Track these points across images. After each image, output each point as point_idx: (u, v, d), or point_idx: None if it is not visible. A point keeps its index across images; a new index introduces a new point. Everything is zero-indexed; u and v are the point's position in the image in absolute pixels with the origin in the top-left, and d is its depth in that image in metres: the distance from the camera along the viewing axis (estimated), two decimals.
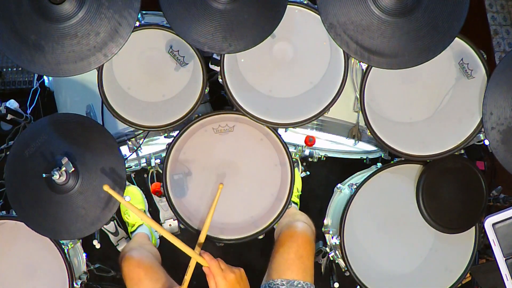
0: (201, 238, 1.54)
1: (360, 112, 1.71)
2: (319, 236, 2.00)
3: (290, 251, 1.64)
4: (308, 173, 2.24)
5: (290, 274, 1.60)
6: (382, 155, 2.09)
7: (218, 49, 1.58)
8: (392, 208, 1.85)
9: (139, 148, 1.89)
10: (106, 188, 1.39)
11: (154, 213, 2.25)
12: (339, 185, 2.01)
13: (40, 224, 1.56)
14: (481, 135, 1.72)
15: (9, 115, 2.08)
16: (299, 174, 2.20)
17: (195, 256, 1.41)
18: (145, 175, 2.25)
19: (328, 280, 2.14)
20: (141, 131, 1.82)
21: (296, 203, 2.17)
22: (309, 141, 2.00)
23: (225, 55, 1.69)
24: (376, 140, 1.74)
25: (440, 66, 1.73)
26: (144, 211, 2.21)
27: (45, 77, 2.19)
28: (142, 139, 1.85)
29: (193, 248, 1.45)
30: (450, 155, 1.75)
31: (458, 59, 1.71)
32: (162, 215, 2.20)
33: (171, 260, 1.87)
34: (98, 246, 2.03)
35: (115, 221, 2.11)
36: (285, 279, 1.59)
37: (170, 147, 1.76)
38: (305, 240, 1.67)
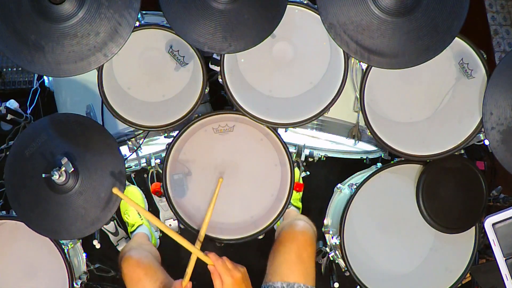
0: (202, 234, 1.54)
1: (360, 112, 1.71)
2: (319, 236, 2.00)
3: (291, 251, 1.63)
4: (308, 173, 2.24)
5: (292, 277, 1.58)
6: (382, 155, 2.09)
7: (218, 49, 1.58)
8: (392, 208, 1.85)
9: (139, 148, 1.89)
10: (115, 190, 1.41)
11: (154, 213, 2.24)
12: (339, 185, 2.01)
13: (40, 224, 1.56)
14: (481, 135, 1.72)
15: (9, 115, 2.08)
16: (299, 174, 2.20)
17: (200, 255, 1.42)
18: (145, 175, 2.25)
19: (328, 280, 2.14)
20: (141, 131, 1.82)
21: (298, 208, 2.17)
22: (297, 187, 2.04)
23: (225, 55, 1.69)
24: (376, 140, 1.74)
25: (440, 66, 1.73)
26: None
27: (45, 77, 2.19)
28: (142, 139, 1.85)
29: (193, 243, 1.47)
30: (450, 155, 1.75)
31: (458, 59, 1.71)
32: (162, 215, 2.20)
33: (171, 260, 1.87)
34: (98, 246, 2.03)
35: (115, 221, 2.11)
36: (286, 282, 1.58)
37: (170, 147, 1.76)
38: (306, 240, 1.66)
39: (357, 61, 1.73)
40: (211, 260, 1.41)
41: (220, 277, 1.39)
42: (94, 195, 1.55)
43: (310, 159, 2.14)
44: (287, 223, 1.76)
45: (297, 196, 2.20)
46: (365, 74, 1.67)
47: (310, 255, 1.66)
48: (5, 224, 1.69)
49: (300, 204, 2.21)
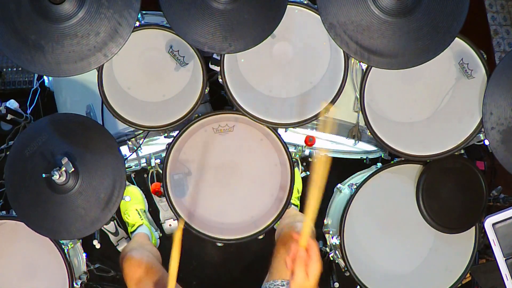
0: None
1: (360, 112, 1.71)
2: (319, 236, 2.00)
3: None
4: (308, 173, 2.24)
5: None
6: (382, 155, 2.09)
7: (218, 49, 1.58)
8: (392, 208, 1.85)
9: (139, 148, 1.89)
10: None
11: (154, 213, 2.25)
12: (339, 185, 2.00)
13: (40, 224, 1.56)
14: (481, 135, 1.72)
15: (9, 115, 2.08)
16: (299, 174, 2.20)
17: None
18: (145, 175, 2.25)
19: (328, 280, 2.14)
20: (141, 131, 1.82)
21: (296, 205, 2.17)
22: (309, 141, 2.00)
23: (225, 55, 1.69)
24: (376, 140, 1.74)
25: (440, 66, 1.72)
26: (144, 211, 2.21)
27: (45, 77, 2.19)
28: (142, 139, 1.85)
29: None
30: (450, 155, 1.75)
31: (458, 59, 1.71)
32: (162, 215, 2.20)
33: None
34: (98, 246, 2.03)
35: (115, 221, 2.11)
36: (286, 280, 1.59)
37: (170, 147, 1.76)
38: None
39: (357, 61, 1.72)
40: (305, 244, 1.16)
41: (309, 264, 1.17)
42: (94, 195, 1.55)
43: (310, 159, 2.14)
44: (286, 224, 1.76)
45: (296, 194, 2.20)
46: (365, 74, 1.67)
47: None
48: (5, 224, 1.69)
49: (298, 202, 2.20)
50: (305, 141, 2.00)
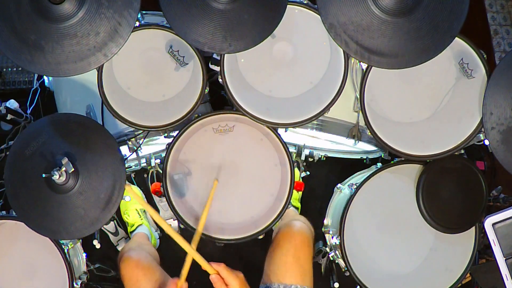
0: (196, 238, 1.54)
1: (360, 112, 1.71)
2: (319, 236, 2.00)
3: (288, 253, 1.63)
4: (308, 173, 2.24)
5: (289, 279, 1.59)
6: (382, 155, 2.09)
7: (218, 49, 1.58)
8: (392, 208, 1.85)
9: (139, 148, 1.89)
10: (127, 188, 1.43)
11: None
12: (339, 185, 2.00)
13: (40, 224, 1.55)
14: (481, 135, 1.72)
15: (9, 115, 2.08)
16: (299, 174, 2.20)
17: (204, 264, 1.43)
18: (145, 175, 2.25)
19: (328, 280, 2.14)
20: (141, 131, 1.82)
21: (297, 208, 2.16)
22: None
23: (225, 55, 1.69)
24: (376, 140, 1.74)
25: (440, 66, 1.72)
26: (144, 211, 2.21)
27: (45, 77, 2.19)
28: (142, 139, 1.85)
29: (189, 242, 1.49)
30: (450, 155, 1.75)
31: (458, 59, 1.71)
32: (162, 215, 2.20)
33: (170, 260, 1.87)
34: (98, 246, 2.03)
35: (115, 221, 2.11)
36: (283, 283, 1.58)
37: (170, 147, 1.76)
38: (303, 240, 1.66)
39: (357, 61, 1.72)
40: (214, 268, 1.41)
41: (225, 282, 1.40)
42: (94, 195, 1.54)
43: (310, 159, 2.14)
44: (284, 224, 1.76)
45: (296, 196, 2.20)
46: (365, 74, 1.67)
47: (307, 256, 1.66)
48: (5, 224, 1.69)
49: (299, 204, 2.20)
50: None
